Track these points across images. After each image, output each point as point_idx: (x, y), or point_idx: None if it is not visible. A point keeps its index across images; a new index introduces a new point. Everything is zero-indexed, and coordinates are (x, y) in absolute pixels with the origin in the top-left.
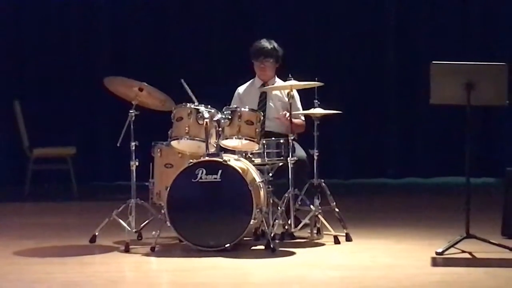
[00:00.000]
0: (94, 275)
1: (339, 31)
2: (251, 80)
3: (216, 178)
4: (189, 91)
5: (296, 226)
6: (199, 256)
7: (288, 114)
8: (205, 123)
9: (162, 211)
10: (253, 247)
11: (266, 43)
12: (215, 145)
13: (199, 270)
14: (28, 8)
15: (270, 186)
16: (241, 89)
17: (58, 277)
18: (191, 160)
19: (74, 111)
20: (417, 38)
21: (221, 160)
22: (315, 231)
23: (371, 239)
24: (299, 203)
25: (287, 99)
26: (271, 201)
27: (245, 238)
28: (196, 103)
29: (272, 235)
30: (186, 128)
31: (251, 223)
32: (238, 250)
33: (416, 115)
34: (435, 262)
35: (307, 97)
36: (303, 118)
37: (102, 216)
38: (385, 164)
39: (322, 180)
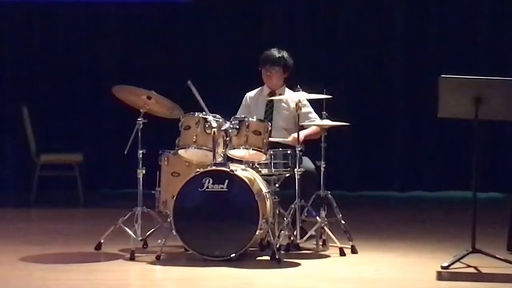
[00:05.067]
0: (99, 283)
1: (348, 44)
2: (260, 88)
3: (222, 188)
4: (196, 94)
5: (301, 237)
6: (204, 265)
7: (295, 136)
8: (212, 132)
9: (168, 220)
10: (258, 258)
11: (275, 52)
12: (222, 155)
13: (204, 279)
14: (37, 14)
15: (276, 197)
16: (249, 94)
17: (63, 284)
18: (198, 169)
19: (82, 118)
20: (425, 51)
21: (228, 170)
22: (320, 243)
23: (376, 252)
24: (305, 214)
25: (294, 108)
26: (277, 211)
27: (250, 249)
28: (204, 106)
29: (277, 246)
30: (194, 137)
31: (257, 233)
32: (243, 260)
33: (424, 128)
34: (440, 276)
35: (315, 109)
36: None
37: (108, 224)
38: (392, 177)
39: (329, 192)
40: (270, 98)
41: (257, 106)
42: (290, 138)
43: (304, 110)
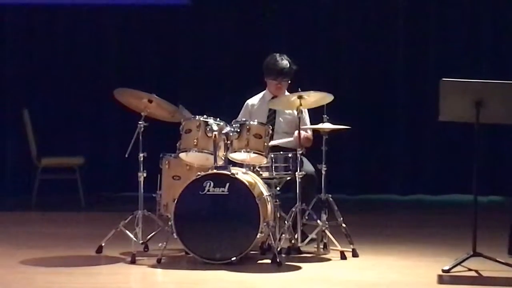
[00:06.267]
0: (100, 286)
1: (349, 46)
2: (261, 94)
3: (223, 191)
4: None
5: (302, 241)
6: (205, 268)
7: (296, 135)
8: (213, 135)
9: (169, 223)
10: (259, 261)
11: (283, 62)
12: (223, 158)
13: (205, 282)
14: (38, 17)
15: (277, 200)
16: (251, 101)
17: (64, 287)
18: (198, 173)
19: (83, 121)
20: (426, 54)
21: (229, 173)
22: (321, 246)
23: (377, 255)
24: (306, 217)
25: (296, 113)
26: (278, 215)
27: (251, 252)
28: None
29: (278, 249)
30: (195, 140)
31: (258, 236)
32: (244, 263)
33: (424, 131)
34: (441, 280)
35: (316, 112)
36: (310, 132)
37: (109, 227)
38: (392, 181)
39: (330, 195)
40: (271, 106)
41: (260, 111)
42: (294, 136)
43: (301, 116)
